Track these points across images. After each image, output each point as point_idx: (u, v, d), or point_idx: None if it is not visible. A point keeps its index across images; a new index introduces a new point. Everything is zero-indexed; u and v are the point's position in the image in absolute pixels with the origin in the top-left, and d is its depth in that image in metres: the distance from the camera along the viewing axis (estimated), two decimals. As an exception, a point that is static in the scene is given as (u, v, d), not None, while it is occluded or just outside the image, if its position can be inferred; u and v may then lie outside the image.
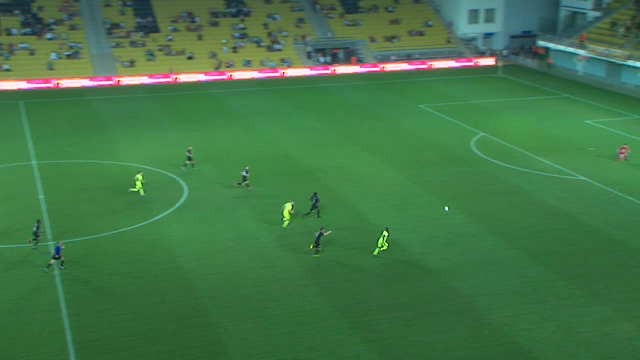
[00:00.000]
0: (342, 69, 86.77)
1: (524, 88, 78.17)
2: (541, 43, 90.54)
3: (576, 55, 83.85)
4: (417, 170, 50.27)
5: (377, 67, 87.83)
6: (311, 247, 37.63)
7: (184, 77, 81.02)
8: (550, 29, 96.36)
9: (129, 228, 40.43)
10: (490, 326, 30.81)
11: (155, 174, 49.17)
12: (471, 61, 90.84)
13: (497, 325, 30.84)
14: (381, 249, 37.05)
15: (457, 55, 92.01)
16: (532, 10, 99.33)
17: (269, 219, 41.85)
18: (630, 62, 75.29)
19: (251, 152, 54.54)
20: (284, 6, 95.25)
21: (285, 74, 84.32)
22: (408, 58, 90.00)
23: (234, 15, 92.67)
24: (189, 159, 49.85)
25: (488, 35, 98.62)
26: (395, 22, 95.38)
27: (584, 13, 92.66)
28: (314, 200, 41.94)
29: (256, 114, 66.86)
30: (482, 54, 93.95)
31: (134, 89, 76.78)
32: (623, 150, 53.40)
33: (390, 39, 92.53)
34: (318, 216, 41.76)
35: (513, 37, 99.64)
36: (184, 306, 32.35)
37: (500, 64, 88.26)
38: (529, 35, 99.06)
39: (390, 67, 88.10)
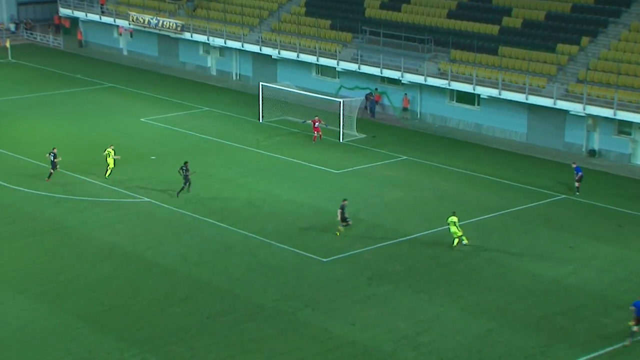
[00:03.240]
0: None
1: (50, 77, 78.72)
2: (65, 12, 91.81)
3: (116, 27, 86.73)
4: None
5: None
6: None
7: None
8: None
9: None
10: None
11: None
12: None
13: None
14: (460, 236, 45.29)
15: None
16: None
17: None
18: (187, 35, 79.85)
19: None
20: None
21: None
22: None
23: None
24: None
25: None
26: None
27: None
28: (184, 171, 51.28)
29: None
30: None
31: None
32: (317, 124, 61.82)
33: None
34: (189, 190, 51.63)
35: (22, 4, 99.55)
36: None
37: (8, 44, 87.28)
38: (45, 2, 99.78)
39: None
